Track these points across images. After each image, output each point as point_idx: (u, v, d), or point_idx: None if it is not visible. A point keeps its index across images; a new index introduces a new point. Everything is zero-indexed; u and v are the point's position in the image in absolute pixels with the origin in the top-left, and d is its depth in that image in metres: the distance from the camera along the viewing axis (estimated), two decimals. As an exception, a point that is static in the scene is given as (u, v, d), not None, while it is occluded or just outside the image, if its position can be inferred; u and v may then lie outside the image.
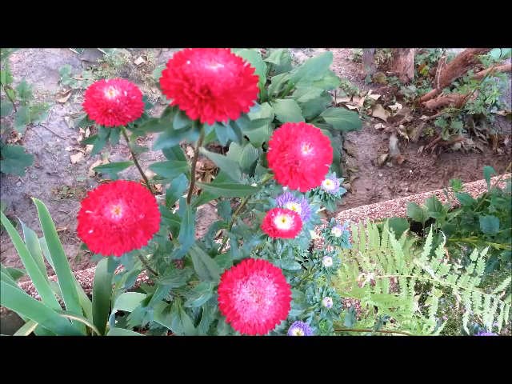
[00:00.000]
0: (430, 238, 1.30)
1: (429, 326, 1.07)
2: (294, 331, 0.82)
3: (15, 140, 2.51)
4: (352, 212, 1.80)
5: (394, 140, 2.71)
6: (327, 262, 1.05)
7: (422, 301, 1.43)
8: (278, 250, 0.60)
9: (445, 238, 1.29)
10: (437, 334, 1.04)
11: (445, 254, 1.28)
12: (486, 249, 1.26)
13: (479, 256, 1.26)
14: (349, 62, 3.16)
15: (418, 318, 1.14)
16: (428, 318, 1.24)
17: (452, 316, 1.44)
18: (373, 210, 1.80)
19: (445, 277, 1.28)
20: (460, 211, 1.56)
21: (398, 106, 2.86)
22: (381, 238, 1.51)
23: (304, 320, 0.84)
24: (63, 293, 1.16)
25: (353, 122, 2.46)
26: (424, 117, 2.78)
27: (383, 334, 1.12)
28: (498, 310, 1.29)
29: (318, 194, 0.93)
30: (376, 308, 1.33)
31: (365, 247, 1.50)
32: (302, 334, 0.82)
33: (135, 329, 1.30)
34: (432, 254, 1.29)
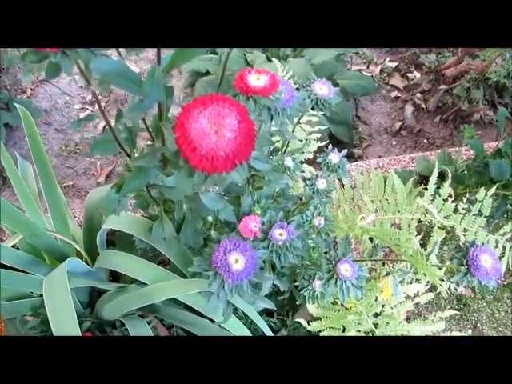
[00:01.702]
0: (434, 176, 1.24)
1: (425, 255, 1.01)
2: (277, 232, 0.78)
3: (24, 96, 2.52)
4: (359, 165, 1.74)
5: (409, 108, 2.63)
6: (321, 183, 1.00)
7: (423, 246, 1.37)
8: (251, 109, 0.55)
9: (450, 174, 1.22)
10: (434, 260, 0.98)
11: (450, 194, 1.22)
12: (494, 187, 1.19)
13: (486, 195, 1.20)
14: (366, 31, 3.08)
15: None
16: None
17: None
18: (380, 164, 1.74)
19: (448, 217, 1.22)
20: (470, 161, 1.50)
21: (416, 74, 2.77)
22: (385, 185, 1.46)
23: (288, 223, 0.79)
24: (51, 212, 1.13)
25: (367, 86, 2.38)
26: (443, 86, 2.69)
27: (378, 263, 1.07)
28: (503, 255, 1.23)
29: (309, 97, 0.88)
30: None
31: (368, 192, 1.44)
32: (285, 236, 0.78)
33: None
34: (436, 193, 1.23)
